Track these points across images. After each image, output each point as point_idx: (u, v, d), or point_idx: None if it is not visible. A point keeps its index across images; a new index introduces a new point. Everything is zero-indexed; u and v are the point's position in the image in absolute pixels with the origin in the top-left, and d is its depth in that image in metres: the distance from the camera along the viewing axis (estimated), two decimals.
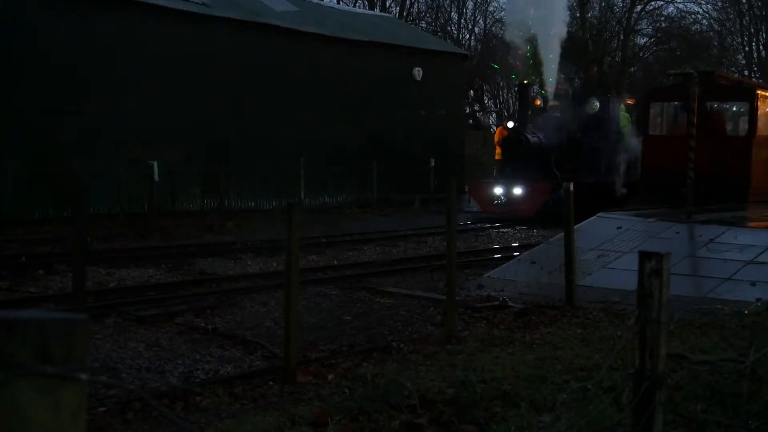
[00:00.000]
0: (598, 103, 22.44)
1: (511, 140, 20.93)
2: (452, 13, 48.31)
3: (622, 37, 44.44)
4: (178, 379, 6.67)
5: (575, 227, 9.65)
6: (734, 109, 20.07)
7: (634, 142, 22.15)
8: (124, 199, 18.52)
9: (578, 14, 42.54)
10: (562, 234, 9.45)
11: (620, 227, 12.24)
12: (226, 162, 20.58)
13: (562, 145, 21.23)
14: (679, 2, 45.39)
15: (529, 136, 20.67)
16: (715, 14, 46.34)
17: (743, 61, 48.14)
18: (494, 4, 46.64)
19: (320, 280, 11.37)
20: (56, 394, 1.11)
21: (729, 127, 20.15)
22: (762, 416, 4.42)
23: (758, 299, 8.54)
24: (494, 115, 43.14)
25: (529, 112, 21.67)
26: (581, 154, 21.45)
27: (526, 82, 22.27)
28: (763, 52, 47.08)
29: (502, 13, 40.20)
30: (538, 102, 23.76)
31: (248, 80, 21.84)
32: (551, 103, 23.39)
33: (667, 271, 2.86)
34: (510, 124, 22.46)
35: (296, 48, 23.21)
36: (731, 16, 46.40)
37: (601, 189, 20.56)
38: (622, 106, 23.24)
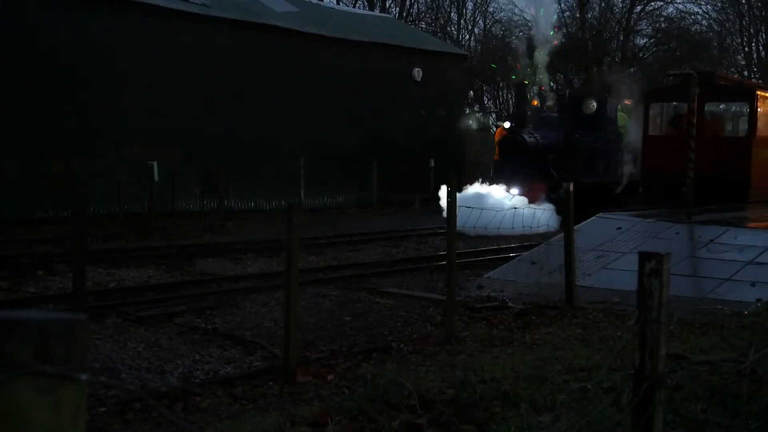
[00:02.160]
0: (595, 104, 22.27)
1: (508, 140, 20.72)
2: (452, 14, 48.36)
3: (621, 38, 44.46)
4: (178, 379, 6.67)
5: (575, 227, 9.64)
6: (734, 109, 20.08)
7: (631, 143, 22.07)
8: (124, 199, 18.53)
9: (578, 14, 42.57)
10: (562, 234, 9.45)
11: (620, 228, 12.24)
12: (226, 162, 20.58)
13: (559, 145, 21.06)
14: (679, 3, 45.37)
15: (526, 137, 20.48)
16: (714, 15, 46.36)
17: (743, 62, 48.14)
18: (494, 4, 46.69)
19: (320, 280, 11.37)
20: (56, 394, 1.11)
21: (729, 127, 20.16)
22: (762, 416, 4.42)
23: (758, 300, 8.54)
24: (494, 116, 43.15)
25: (528, 113, 21.62)
26: (579, 154, 21.26)
27: (526, 82, 22.26)
28: (763, 52, 47.08)
29: (502, 13, 40.24)
30: (536, 102, 23.67)
31: (248, 80, 21.85)
32: (549, 103, 23.29)
33: (667, 272, 2.86)
34: (507, 125, 22.16)
35: (296, 48, 23.21)
36: (731, 17, 46.40)
37: (598, 189, 20.42)
38: (620, 106, 23.13)
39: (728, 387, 4.86)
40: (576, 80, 41.53)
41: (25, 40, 17.55)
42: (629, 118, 22.89)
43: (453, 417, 4.69)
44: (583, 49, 40.80)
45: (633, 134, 22.01)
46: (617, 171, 22.45)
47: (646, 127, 19.43)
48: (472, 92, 44.45)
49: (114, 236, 15.90)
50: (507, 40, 43.23)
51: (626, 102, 23.59)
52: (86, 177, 16.47)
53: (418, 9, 47.04)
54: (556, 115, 22.40)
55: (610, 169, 22.27)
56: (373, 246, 15.77)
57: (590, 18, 43.02)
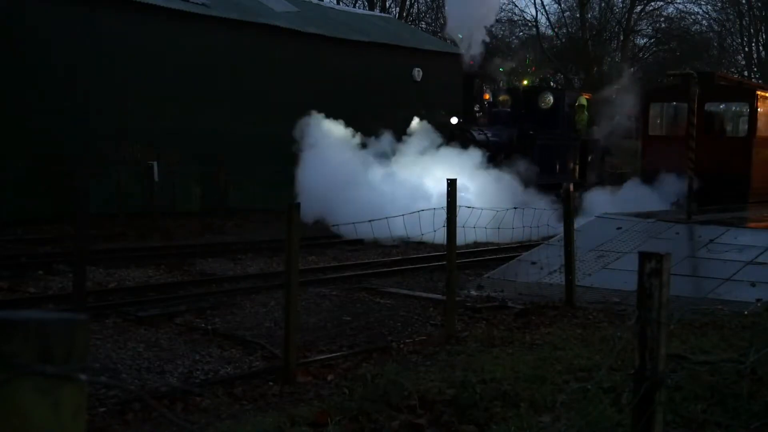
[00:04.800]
0: (551, 98, 20.74)
1: (454, 138, 19.09)
2: None
3: (621, 38, 44.47)
4: (178, 379, 6.67)
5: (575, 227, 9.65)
6: (734, 109, 20.10)
7: (596, 140, 21.27)
8: (124, 199, 18.51)
9: (578, 14, 42.59)
10: (562, 234, 9.45)
11: (620, 228, 12.24)
12: (226, 162, 20.57)
13: (512, 143, 19.50)
14: (679, 3, 45.37)
15: (475, 134, 19.02)
16: (714, 15, 46.38)
17: (743, 62, 48.14)
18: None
19: (320, 280, 11.36)
20: (56, 394, 1.11)
21: (729, 127, 20.18)
22: (762, 416, 4.42)
23: (758, 300, 8.54)
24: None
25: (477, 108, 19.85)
26: (533, 153, 19.57)
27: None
28: (763, 52, 47.08)
29: (502, 13, 40.20)
30: (487, 96, 22.55)
31: (248, 80, 21.84)
32: (501, 96, 21.70)
33: (667, 272, 2.86)
34: (454, 120, 19.98)
35: (296, 48, 23.21)
36: (731, 17, 46.41)
37: (554, 191, 18.80)
38: (579, 101, 21.67)
39: (728, 387, 4.86)
40: (576, 80, 41.54)
41: (25, 40, 17.54)
42: (588, 113, 21.58)
43: (453, 417, 4.69)
44: (582, 50, 40.81)
45: (598, 131, 21.21)
46: (576, 171, 21.10)
47: (646, 127, 19.42)
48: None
49: (114, 236, 15.89)
50: (507, 40, 43.25)
51: (585, 96, 22.20)
52: (86, 177, 16.45)
53: (418, 9, 47.05)
54: (509, 110, 20.78)
55: (568, 168, 20.89)
56: (373, 246, 15.76)
57: (590, 18, 43.04)
